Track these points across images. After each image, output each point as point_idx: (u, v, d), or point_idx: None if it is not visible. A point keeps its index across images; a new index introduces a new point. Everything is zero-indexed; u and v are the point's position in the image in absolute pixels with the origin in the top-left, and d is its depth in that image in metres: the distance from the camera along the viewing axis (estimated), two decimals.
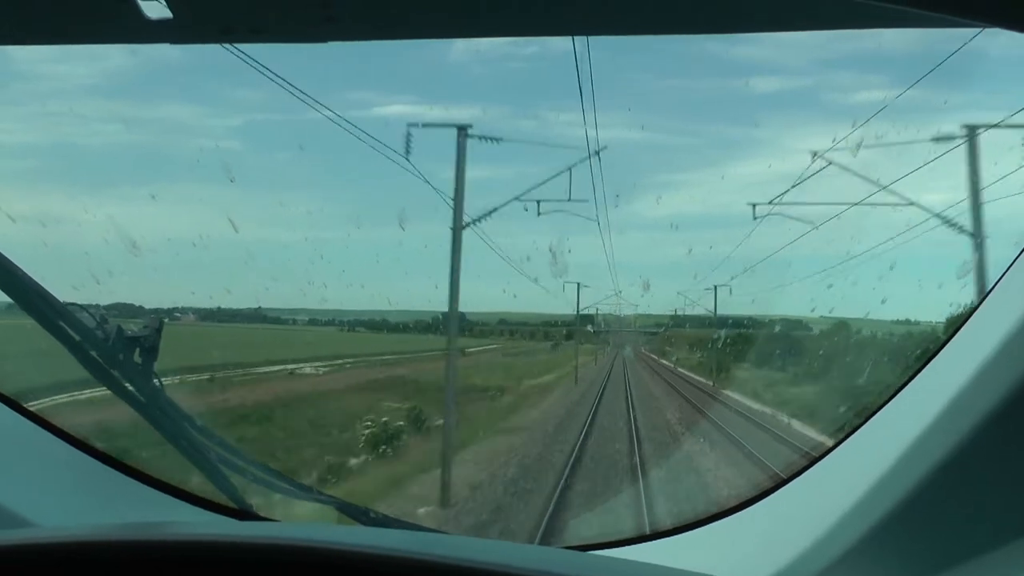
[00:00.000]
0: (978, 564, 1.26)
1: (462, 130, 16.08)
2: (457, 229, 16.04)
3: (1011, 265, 1.23)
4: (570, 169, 17.42)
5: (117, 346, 1.65)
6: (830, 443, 1.64)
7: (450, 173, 16.15)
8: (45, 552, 1.34)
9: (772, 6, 1.27)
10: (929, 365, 1.36)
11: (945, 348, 1.32)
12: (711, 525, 1.81)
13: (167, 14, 1.14)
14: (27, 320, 1.56)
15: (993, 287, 1.26)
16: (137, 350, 1.69)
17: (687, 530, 1.86)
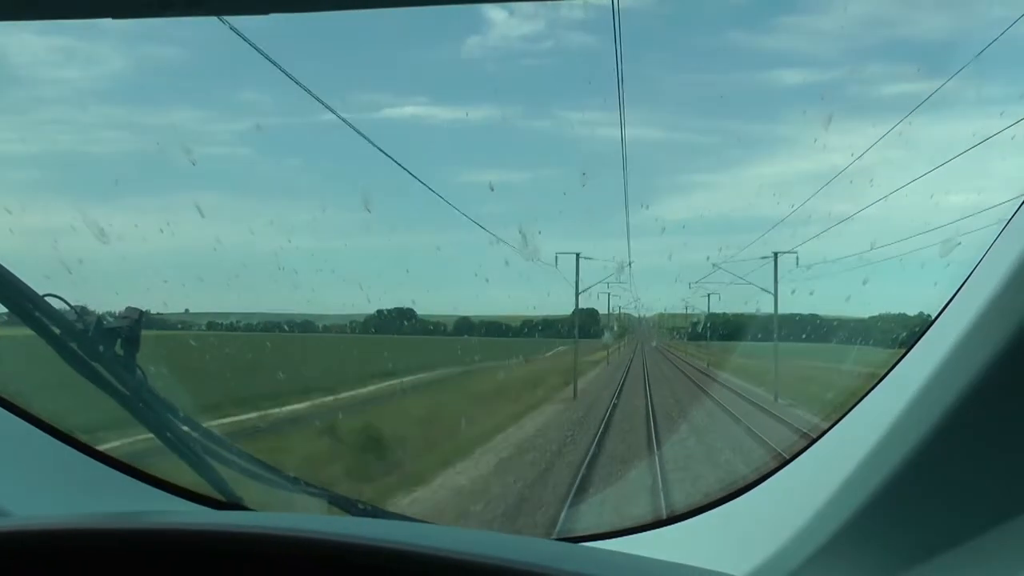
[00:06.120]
0: (959, 551, 1.25)
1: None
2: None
3: (985, 254, 1.21)
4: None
5: (97, 338, 1.64)
6: None
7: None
8: (20, 541, 1.32)
9: None
10: (902, 360, 1.35)
11: (918, 343, 1.31)
12: (696, 518, 1.81)
13: None
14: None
15: (968, 277, 1.25)
16: (118, 341, 1.68)
17: (673, 522, 1.85)
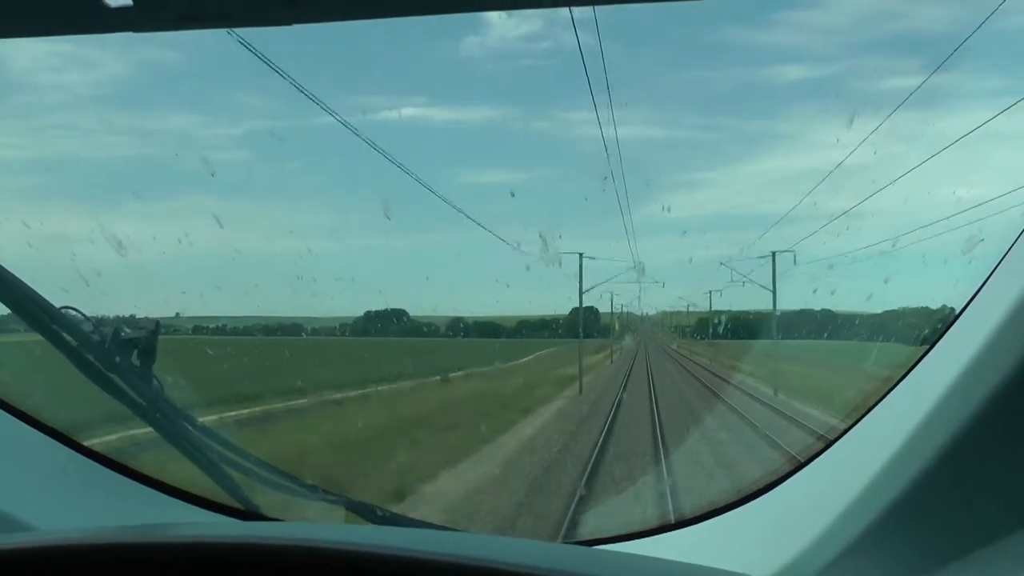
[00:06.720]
0: (983, 552, 1.26)
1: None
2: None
3: (1006, 253, 1.21)
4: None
5: (114, 349, 1.63)
6: None
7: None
8: (44, 556, 1.32)
9: None
10: (926, 357, 1.34)
11: (942, 339, 1.31)
12: (717, 519, 1.80)
13: (127, 2, 1.10)
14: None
15: (989, 276, 1.24)
16: (135, 352, 1.68)
17: (693, 524, 1.86)
